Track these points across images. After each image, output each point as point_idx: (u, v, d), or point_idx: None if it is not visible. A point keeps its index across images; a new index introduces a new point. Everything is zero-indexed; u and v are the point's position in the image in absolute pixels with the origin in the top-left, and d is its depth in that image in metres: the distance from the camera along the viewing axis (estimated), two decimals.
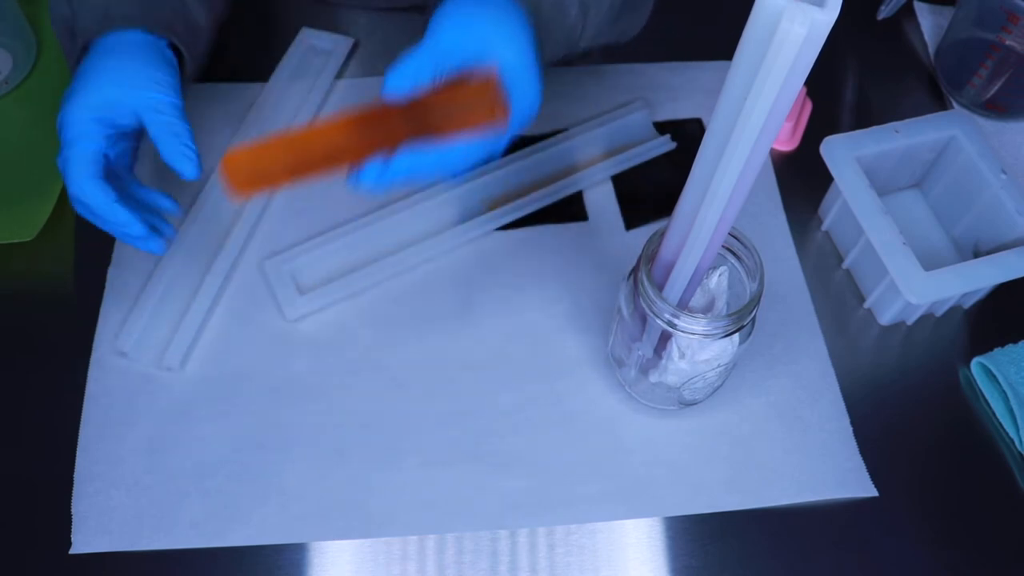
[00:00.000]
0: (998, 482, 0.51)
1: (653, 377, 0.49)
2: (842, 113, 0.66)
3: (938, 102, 0.67)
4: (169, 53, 0.51)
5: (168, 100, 0.48)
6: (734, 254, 0.45)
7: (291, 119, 0.63)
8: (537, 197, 0.59)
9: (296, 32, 0.67)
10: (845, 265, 0.58)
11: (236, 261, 0.57)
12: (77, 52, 0.50)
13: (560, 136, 0.62)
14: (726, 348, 0.45)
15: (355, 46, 0.68)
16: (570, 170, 0.61)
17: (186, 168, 0.48)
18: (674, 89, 0.66)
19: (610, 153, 0.62)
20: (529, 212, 0.59)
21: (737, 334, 0.44)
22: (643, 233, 0.59)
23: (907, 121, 0.56)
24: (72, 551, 0.47)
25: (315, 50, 0.67)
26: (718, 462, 0.51)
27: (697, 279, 0.42)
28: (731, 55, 0.32)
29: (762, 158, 0.35)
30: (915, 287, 0.50)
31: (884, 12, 0.69)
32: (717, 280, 0.46)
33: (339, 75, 0.66)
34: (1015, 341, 0.53)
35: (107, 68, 0.48)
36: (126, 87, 0.48)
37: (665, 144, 0.62)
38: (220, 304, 0.56)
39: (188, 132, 0.49)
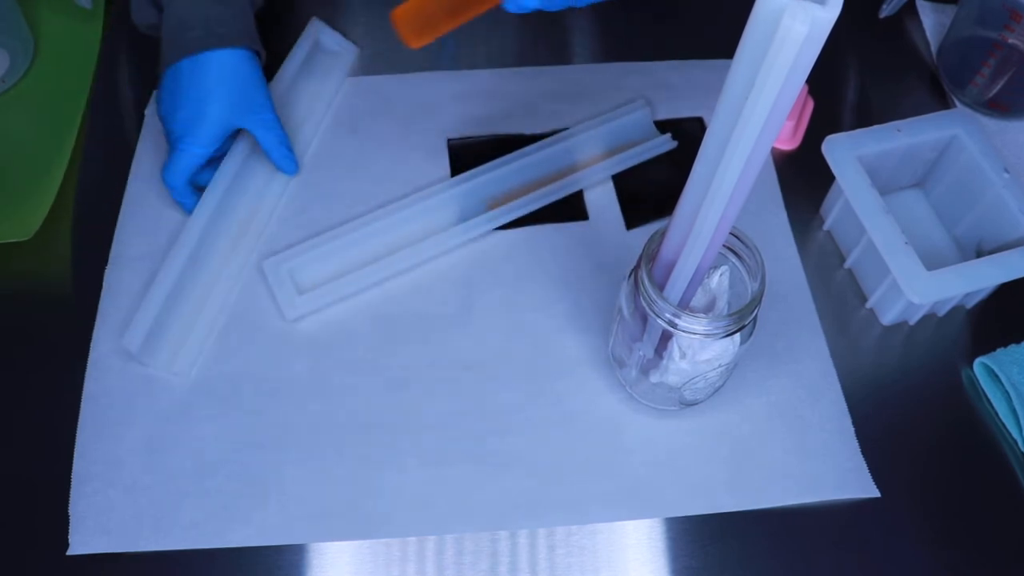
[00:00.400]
0: (1000, 483, 0.51)
1: (654, 377, 0.48)
2: (844, 112, 0.66)
3: (940, 101, 0.67)
4: (256, 59, 0.59)
5: (273, 117, 0.58)
6: (735, 253, 0.45)
7: (302, 121, 0.63)
8: (537, 196, 0.59)
9: (295, 21, 0.67)
10: (847, 265, 0.58)
11: (241, 263, 0.57)
12: (173, 56, 0.56)
13: (560, 135, 0.62)
14: (727, 348, 0.45)
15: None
16: (570, 169, 0.61)
17: (290, 168, 0.60)
18: (675, 88, 0.66)
19: (611, 152, 0.62)
20: (529, 212, 0.59)
21: (738, 334, 0.44)
22: (644, 233, 0.59)
23: (909, 120, 0.56)
24: (69, 552, 0.47)
25: (321, 48, 0.67)
26: (719, 462, 0.50)
27: (698, 279, 0.42)
28: (732, 53, 0.32)
29: (763, 157, 0.35)
30: (917, 287, 0.50)
31: (886, 10, 0.68)
32: (718, 280, 0.46)
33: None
34: (1018, 341, 0.53)
35: (228, 95, 0.56)
36: (245, 112, 0.57)
37: (666, 143, 0.62)
38: (219, 304, 0.55)
39: (288, 139, 0.59)
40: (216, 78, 0.56)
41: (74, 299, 0.56)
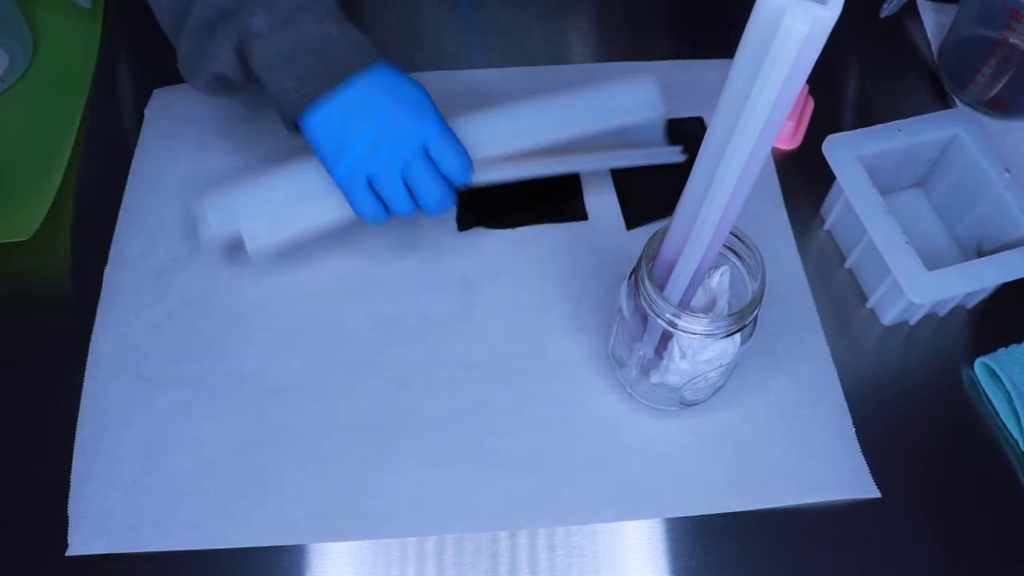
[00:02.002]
0: (1001, 483, 0.50)
1: (654, 377, 0.48)
2: (844, 112, 0.66)
3: (941, 100, 0.67)
4: None
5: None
6: (736, 253, 0.45)
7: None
8: (532, 166, 0.56)
9: None
10: (847, 264, 0.58)
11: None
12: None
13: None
14: (727, 348, 0.45)
15: None
16: (573, 148, 0.58)
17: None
18: (675, 87, 0.66)
19: (616, 146, 0.60)
20: (519, 178, 0.55)
21: (739, 334, 0.44)
22: (644, 233, 0.59)
23: (910, 120, 0.56)
24: (69, 552, 0.47)
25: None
26: (719, 463, 0.50)
27: (698, 279, 0.42)
28: (732, 53, 0.32)
29: (764, 157, 0.35)
30: (918, 287, 0.50)
31: (887, 10, 0.68)
32: (718, 280, 0.46)
33: None
34: (1019, 341, 0.53)
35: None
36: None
37: (674, 155, 0.60)
38: (219, 303, 0.55)
39: None
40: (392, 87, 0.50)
41: (74, 299, 0.56)
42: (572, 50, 0.69)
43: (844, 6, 0.29)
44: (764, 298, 0.43)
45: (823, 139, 0.55)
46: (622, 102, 0.58)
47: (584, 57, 0.68)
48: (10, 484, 0.49)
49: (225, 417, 0.51)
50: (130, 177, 0.61)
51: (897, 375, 0.54)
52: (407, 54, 0.68)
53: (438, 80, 0.66)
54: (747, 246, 0.44)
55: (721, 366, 0.46)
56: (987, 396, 0.53)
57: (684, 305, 0.44)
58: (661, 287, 0.43)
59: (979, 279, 0.51)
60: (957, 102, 0.66)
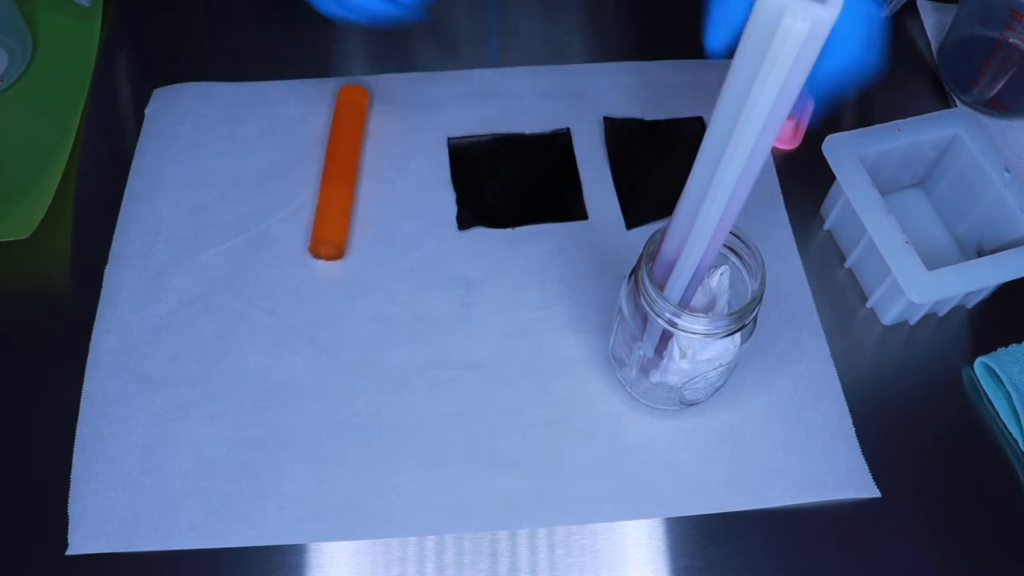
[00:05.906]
0: (1001, 483, 0.50)
1: (654, 377, 0.48)
2: (844, 111, 0.66)
3: (941, 100, 0.67)
4: None
5: None
6: (735, 253, 0.45)
7: None
8: None
9: (295, 29, 0.67)
10: (847, 264, 0.58)
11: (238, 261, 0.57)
12: None
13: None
14: (727, 348, 0.45)
15: None
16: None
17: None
18: (675, 87, 0.66)
19: None
20: None
21: (738, 333, 0.44)
22: (644, 232, 0.59)
23: (910, 119, 0.56)
24: (69, 552, 0.47)
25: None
26: (719, 463, 0.50)
27: (698, 278, 0.42)
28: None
29: (763, 156, 0.35)
30: (918, 286, 0.50)
31: (886, 10, 0.68)
32: (718, 279, 0.46)
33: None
34: (1019, 341, 0.53)
35: None
36: None
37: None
38: (219, 303, 0.55)
39: None
40: None
41: (74, 298, 0.56)
42: (572, 50, 0.69)
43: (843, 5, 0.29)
44: (764, 298, 0.43)
45: (823, 139, 0.55)
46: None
47: (584, 57, 0.68)
48: (10, 484, 0.49)
49: (225, 417, 0.51)
50: (130, 177, 0.61)
51: (897, 375, 0.54)
52: (406, 53, 0.68)
53: (438, 80, 0.66)
54: (747, 246, 0.44)
55: (721, 366, 0.46)
56: (987, 396, 0.53)
57: (684, 305, 0.44)
58: (661, 287, 0.43)
59: (979, 279, 0.51)
60: (957, 102, 0.66)
